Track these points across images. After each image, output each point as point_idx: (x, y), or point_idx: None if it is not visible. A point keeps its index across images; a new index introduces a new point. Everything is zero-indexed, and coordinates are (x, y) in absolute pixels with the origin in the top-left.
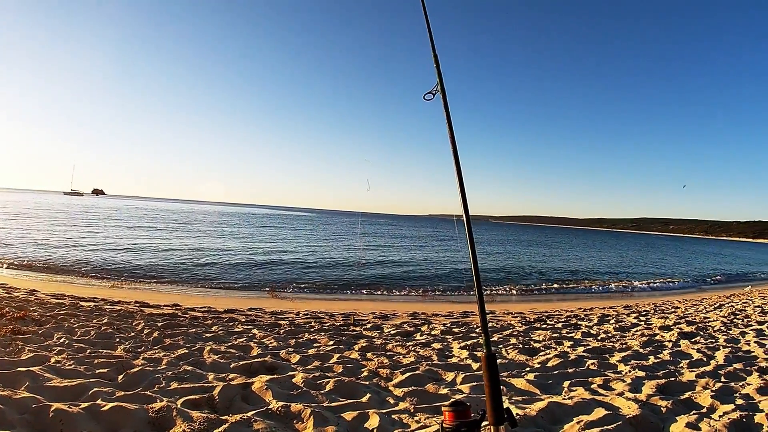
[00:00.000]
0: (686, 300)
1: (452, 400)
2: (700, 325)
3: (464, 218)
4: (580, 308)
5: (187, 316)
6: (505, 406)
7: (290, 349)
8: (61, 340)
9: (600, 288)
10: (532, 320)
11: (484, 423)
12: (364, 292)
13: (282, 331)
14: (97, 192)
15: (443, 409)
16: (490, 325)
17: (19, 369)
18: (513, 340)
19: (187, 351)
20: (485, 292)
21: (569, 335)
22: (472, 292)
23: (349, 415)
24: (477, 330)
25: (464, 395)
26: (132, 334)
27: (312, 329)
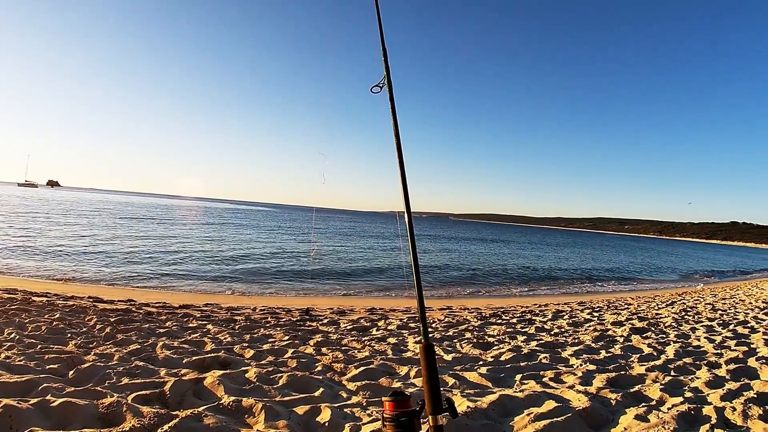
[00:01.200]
0: (639, 297)
1: (392, 390)
2: (651, 321)
3: (405, 212)
4: (536, 304)
5: (141, 311)
6: (447, 397)
7: (244, 345)
8: (12, 336)
9: (555, 285)
10: (487, 315)
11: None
12: (323, 287)
13: (237, 327)
14: (52, 183)
15: (383, 399)
16: (446, 320)
17: None
18: (468, 335)
19: (139, 346)
20: (442, 290)
21: (523, 330)
22: (432, 288)
23: (301, 409)
24: (434, 325)
25: (417, 388)
26: (84, 329)
27: (268, 324)
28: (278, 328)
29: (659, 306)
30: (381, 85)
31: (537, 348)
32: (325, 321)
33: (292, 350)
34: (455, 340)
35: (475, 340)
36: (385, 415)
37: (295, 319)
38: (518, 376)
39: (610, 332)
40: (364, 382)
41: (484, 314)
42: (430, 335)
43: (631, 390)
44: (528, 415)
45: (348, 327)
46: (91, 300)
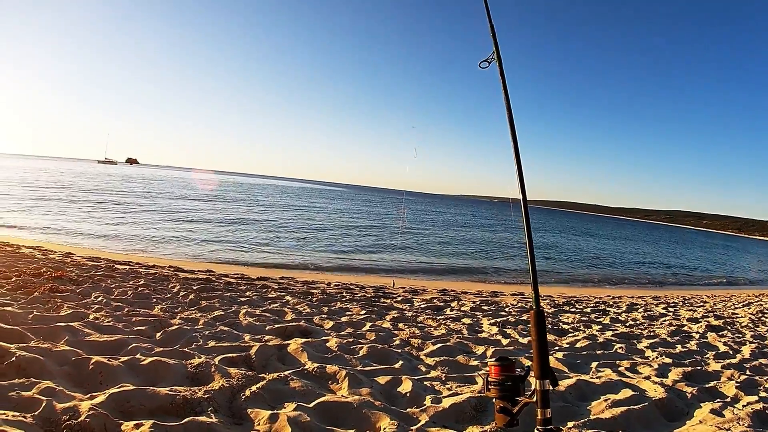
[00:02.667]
0: (715, 296)
1: (498, 355)
2: (728, 320)
3: (519, 186)
4: (609, 295)
5: (221, 281)
6: (551, 367)
7: (323, 316)
8: (99, 299)
9: (629, 277)
10: (560, 303)
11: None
12: (395, 267)
13: (314, 299)
14: (131, 161)
15: (489, 363)
16: (519, 305)
17: (58, 324)
18: None
19: (223, 313)
20: (514, 276)
21: (597, 320)
22: (504, 274)
23: (382, 379)
24: (506, 309)
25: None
26: (168, 295)
27: (344, 299)
28: (354, 303)
29: (735, 306)
30: (490, 60)
31: (612, 338)
32: (399, 299)
33: (370, 324)
34: (530, 325)
35: (549, 327)
36: (490, 379)
37: (369, 295)
38: (594, 364)
39: (685, 328)
40: (442, 358)
41: (557, 302)
42: (504, 318)
43: (707, 385)
44: (605, 400)
45: (422, 306)
46: (172, 269)
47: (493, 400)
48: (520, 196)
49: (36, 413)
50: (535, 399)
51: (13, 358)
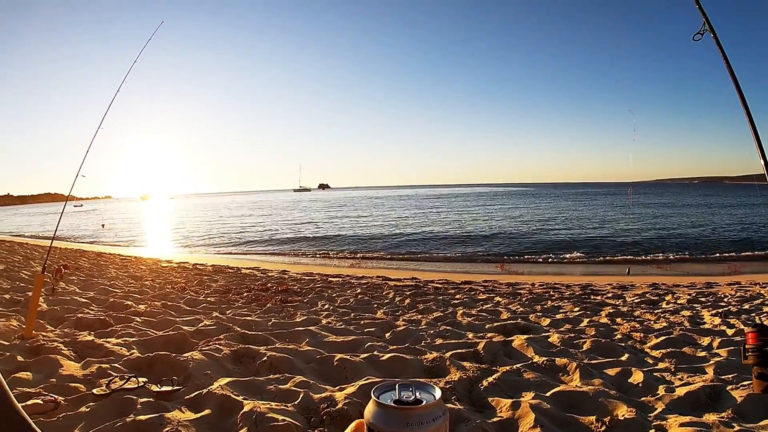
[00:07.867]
0: None
1: (754, 322)
2: None
3: (762, 159)
4: None
5: (429, 287)
6: None
7: (538, 314)
8: (326, 307)
9: None
10: None
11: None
12: (599, 267)
13: (524, 299)
14: (323, 186)
15: (746, 331)
16: (738, 295)
17: (297, 329)
18: (766, 309)
19: (441, 314)
20: (724, 265)
21: None
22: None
23: (611, 371)
24: (725, 300)
25: (722, 358)
26: (386, 301)
27: (553, 297)
28: (565, 300)
29: None
30: (702, 32)
31: None
32: (609, 295)
33: (587, 320)
34: (753, 314)
35: None
36: (747, 346)
37: (577, 293)
38: None
39: None
40: (668, 350)
41: None
42: (726, 308)
43: None
44: None
45: (635, 300)
46: (380, 279)
47: (752, 367)
48: (765, 170)
49: (296, 402)
50: None
51: (265, 358)
